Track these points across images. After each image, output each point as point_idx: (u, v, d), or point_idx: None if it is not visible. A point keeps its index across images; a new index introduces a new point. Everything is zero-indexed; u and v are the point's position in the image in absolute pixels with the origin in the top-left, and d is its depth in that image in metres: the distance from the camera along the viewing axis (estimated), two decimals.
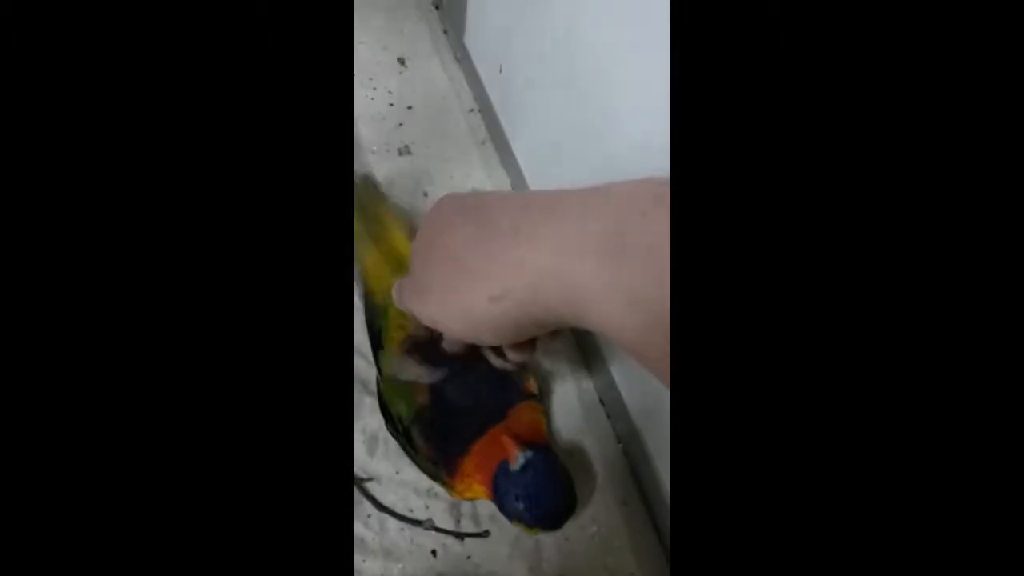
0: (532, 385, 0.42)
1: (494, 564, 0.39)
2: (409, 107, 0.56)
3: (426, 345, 0.41)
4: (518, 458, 0.35)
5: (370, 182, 0.50)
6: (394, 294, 0.35)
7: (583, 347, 0.47)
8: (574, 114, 0.41)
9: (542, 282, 0.26)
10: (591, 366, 0.46)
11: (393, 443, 0.42)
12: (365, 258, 0.45)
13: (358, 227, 0.46)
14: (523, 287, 0.26)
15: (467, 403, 0.40)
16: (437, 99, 0.57)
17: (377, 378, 0.42)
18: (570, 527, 0.39)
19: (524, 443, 0.37)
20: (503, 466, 0.36)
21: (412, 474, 0.41)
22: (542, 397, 0.43)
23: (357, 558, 0.38)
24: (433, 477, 0.40)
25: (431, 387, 0.40)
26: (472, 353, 0.37)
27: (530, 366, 0.43)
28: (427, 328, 0.34)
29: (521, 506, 0.35)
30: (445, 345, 0.37)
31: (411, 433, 0.40)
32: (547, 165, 0.48)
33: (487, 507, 0.40)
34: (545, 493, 0.35)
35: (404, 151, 0.54)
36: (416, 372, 0.41)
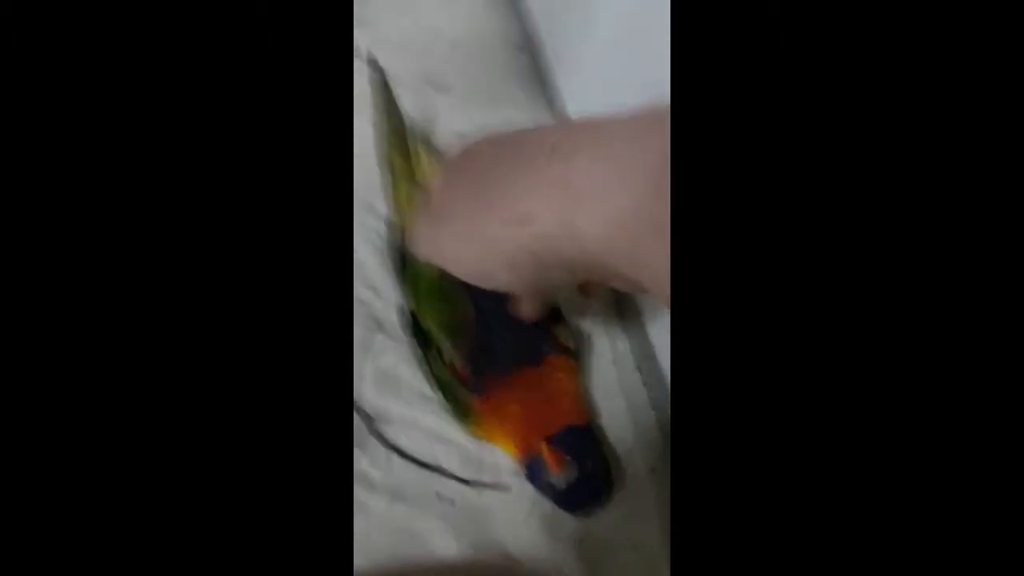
0: (567, 339, 0.39)
1: (511, 519, 0.36)
2: (452, 42, 0.54)
3: None
4: (569, 471, 0.34)
5: (397, 115, 0.46)
6: (409, 238, 0.32)
7: (621, 310, 0.44)
8: (626, 60, 0.38)
9: (576, 209, 0.22)
10: (628, 332, 0.43)
11: (406, 384, 0.39)
12: (397, 183, 0.42)
13: (392, 150, 0.43)
14: (552, 212, 0.23)
15: (506, 333, 0.37)
16: (483, 34, 0.54)
17: (403, 303, 0.40)
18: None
19: (566, 427, 0.35)
20: (540, 462, 0.34)
21: (427, 417, 0.38)
22: (577, 355, 0.40)
23: (364, 495, 0.35)
24: (456, 403, 0.37)
25: (474, 303, 0.37)
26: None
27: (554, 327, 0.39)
28: None
29: (562, 501, 0.35)
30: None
31: (442, 348, 0.37)
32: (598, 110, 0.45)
33: (505, 460, 0.37)
34: (590, 501, 0.35)
35: (442, 88, 0.51)
36: (454, 291, 0.38)
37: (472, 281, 0.29)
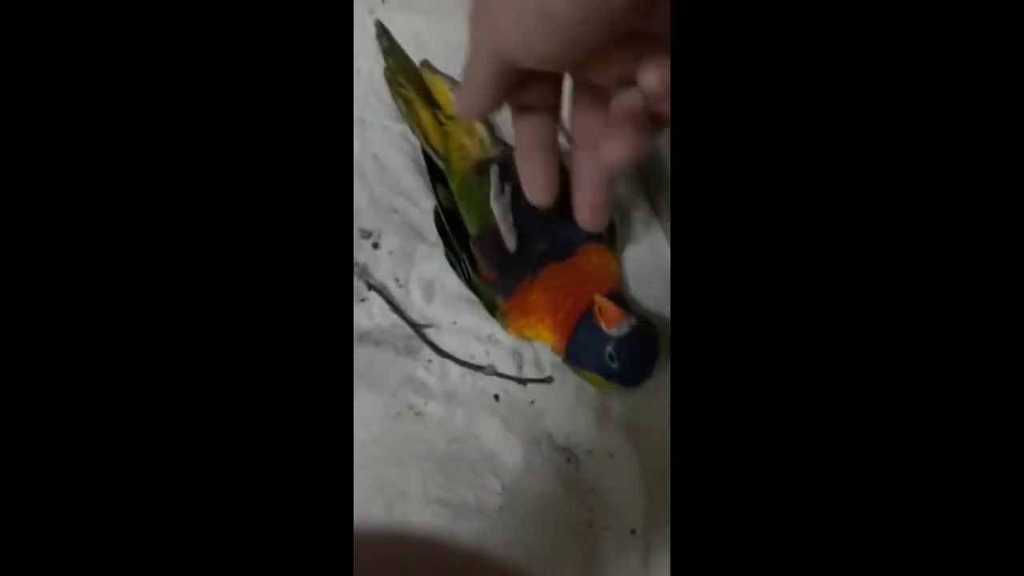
0: (604, 232, 0.37)
1: (558, 410, 0.38)
2: None
3: (495, 164, 0.38)
4: (622, 324, 0.32)
5: (401, 55, 0.43)
6: (456, 105, 0.28)
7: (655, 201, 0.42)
8: None
9: None
10: (660, 210, 0.41)
11: (450, 289, 0.40)
12: (416, 111, 0.41)
13: (400, 86, 0.42)
14: None
15: (534, 229, 0.37)
16: None
17: (437, 207, 0.40)
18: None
19: (610, 290, 0.34)
20: (589, 322, 0.33)
21: (472, 320, 0.39)
22: (613, 242, 0.39)
23: (419, 401, 0.38)
24: (490, 306, 0.38)
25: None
26: None
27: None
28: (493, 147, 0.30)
29: (615, 366, 0.33)
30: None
31: (473, 253, 0.38)
32: None
33: (549, 354, 0.38)
34: (643, 359, 0.34)
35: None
36: (485, 192, 0.37)
37: (520, 57, 0.23)
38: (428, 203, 0.42)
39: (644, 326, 0.33)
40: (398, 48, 0.43)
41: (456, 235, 0.38)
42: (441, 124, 0.40)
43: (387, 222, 0.41)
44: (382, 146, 0.43)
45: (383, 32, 0.43)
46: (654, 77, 0.23)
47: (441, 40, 0.44)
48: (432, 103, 0.41)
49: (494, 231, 0.37)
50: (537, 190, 0.30)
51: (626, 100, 0.25)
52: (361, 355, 0.38)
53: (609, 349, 0.33)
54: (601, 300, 0.33)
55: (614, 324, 0.33)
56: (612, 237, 0.39)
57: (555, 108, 0.29)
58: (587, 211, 0.30)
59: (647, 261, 0.40)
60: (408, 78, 0.42)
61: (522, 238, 0.37)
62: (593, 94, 0.27)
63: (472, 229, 0.38)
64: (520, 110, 0.29)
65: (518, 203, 0.36)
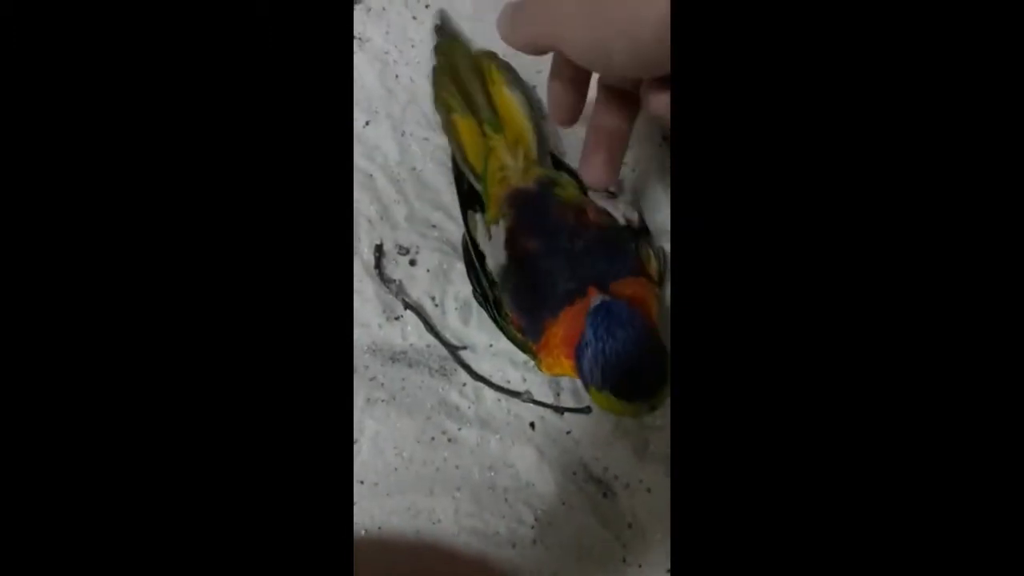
0: (651, 265, 0.34)
1: (595, 441, 0.37)
2: None
3: (533, 196, 0.36)
4: (594, 299, 0.29)
5: (446, 30, 0.42)
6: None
7: None
8: None
9: None
10: None
11: (486, 313, 0.39)
12: (456, 123, 0.39)
13: (444, 91, 0.39)
14: None
15: (561, 269, 0.33)
16: None
17: (465, 240, 0.38)
18: None
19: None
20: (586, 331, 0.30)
21: (508, 345, 0.38)
22: (661, 282, 0.36)
23: (453, 426, 0.37)
24: (523, 349, 0.36)
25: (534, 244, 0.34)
26: (582, 216, 0.32)
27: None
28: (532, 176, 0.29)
29: (588, 353, 0.28)
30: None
31: (501, 299, 0.35)
32: None
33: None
34: (617, 344, 0.28)
35: None
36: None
37: (592, 62, 0.24)
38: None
39: (624, 305, 0.29)
40: (455, 42, 0.40)
41: (485, 272, 0.36)
42: (484, 135, 0.38)
43: (425, 238, 0.40)
44: (422, 159, 0.42)
45: (445, 21, 0.40)
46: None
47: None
48: (476, 109, 0.39)
49: (523, 272, 0.34)
50: (562, 110, 0.31)
51: None
52: (395, 376, 0.37)
53: (585, 339, 0.29)
54: (590, 289, 0.30)
55: (588, 304, 0.29)
56: (659, 277, 0.35)
57: None
58: (600, 167, 0.31)
59: None
60: (455, 79, 0.39)
61: (547, 278, 0.33)
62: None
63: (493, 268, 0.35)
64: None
65: (548, 241, 0.34)
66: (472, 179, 0.38)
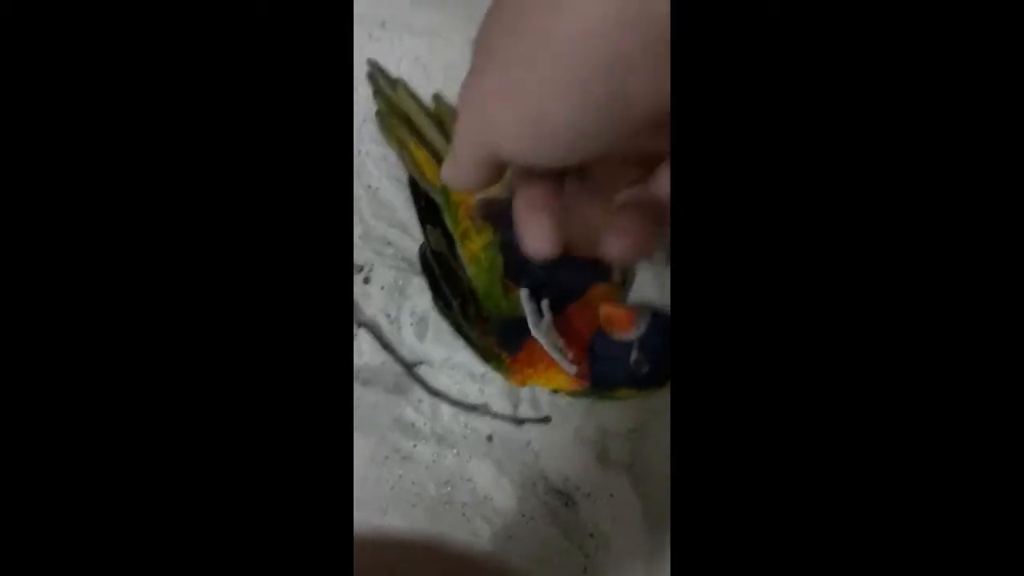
0: (616, 276, 0.35)
1: (555, 452, 0.36)
2: None
3: (498, 205, 0.36)
4: (638, 323, 0.30)
5: (378, 74, 0.43)
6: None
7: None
8: None
9: None
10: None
11: (445, 325, 0.38)
12: (413, 153, 0.40)
13: (394, 130, 0.40)
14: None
15: (538, 284, 0.34)
16: None
17: (426, 250, 0.37)
18: (644, 414, 0.35)
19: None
20: (603, 338, 0.31)
21: (466, 357, 0.38)
22: (623, 284, 0.37)
23: (407, 444, 0.36)
24: (488, 359, 0.36)
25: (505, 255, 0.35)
26: None
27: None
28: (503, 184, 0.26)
29: (645, 369, 0.30)
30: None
31: (469, 309, 0.35)
32: None
33: (546, 392, 0.36)
34: (663, 355, 0.31)
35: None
36: (493, 243, 0.36)
37: (529, 156, 0.21)
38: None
39: (659, 318, 0.31)
40: (394, 86, 0.42)
41: (447, 280, 0.36)
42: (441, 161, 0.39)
43: (380, 255, 0.40)
44: (379, 177, 0.43)
45: (377, 71, 0.42)
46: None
47: (441, 63, 0.44)
48: (432, 147, 0.40)
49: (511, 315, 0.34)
50: (540, 244, 0.25)
51: (633, 195, 0.23)
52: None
53: (634, 355, 0.30)
54: (606, 308, 0.30)
55: (629, 327, 0.30)
56: (623, 279, 0.36)
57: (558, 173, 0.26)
58: (545, 231, 0.24)
59: (648, 281, 0.39)
60: (401, 118, 0.41)
61: (530, 299, 0.33)
62: (591, 179, 0.25)
63: (479, 284, 0.36)
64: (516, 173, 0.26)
65: (522, 262, 0.34)
66: (432, 193, 0.39)
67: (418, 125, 0.40)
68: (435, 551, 0.30)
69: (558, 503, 0.35)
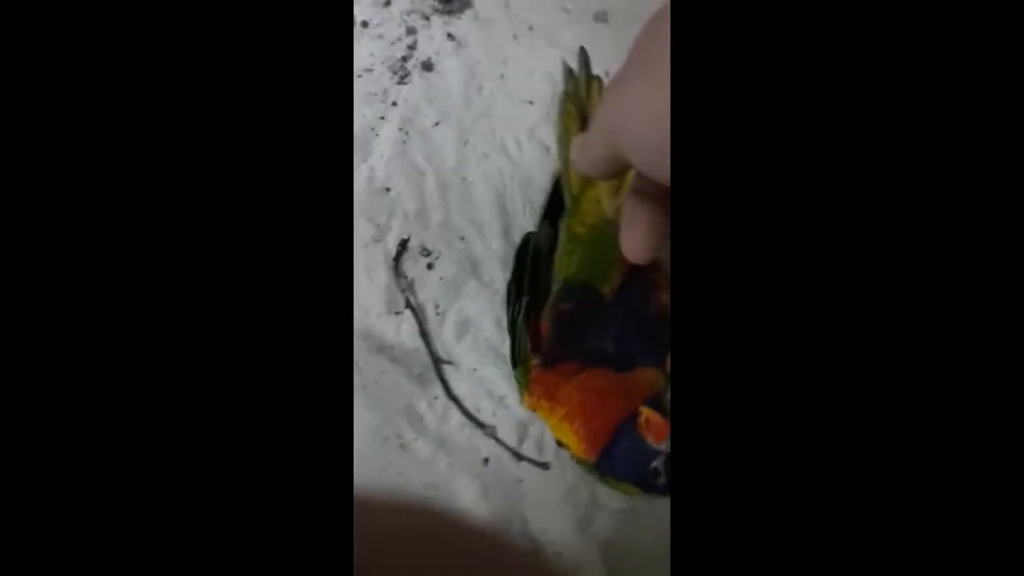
0: (668, 364, 0.34)
1: (542, 500, 0.35)
2: None
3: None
4: (665, 445, 0.30)
5: (584, 67, 0.40)
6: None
7: None
8: None
9: None
10: None
11: (484, 335, 0.38)
12: (572, 139, 0.39)
13: (567, 117, 0.39)
14: None
15: (611, 328, 0.34)
16: None
17: (529, 241, 0.37)
18: (640, 501, 0.34)
19: (654, 397, 0.32)
20: (632, 432, 0.31)
21: (492, 374, 0.38)
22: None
23: (410, 433, 0.36)
24: (517, 362, 0.35)
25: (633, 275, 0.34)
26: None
27: None
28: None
29: (662, 480, 0.31)
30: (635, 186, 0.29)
31: (531, 311, 0.35)
32: None
33: (549, 437, 0.36)
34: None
35: (600, 17, 0.45)
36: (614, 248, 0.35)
37: (648, 168, 0.24)
38: (497, 243, 0.41)
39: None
40: (589, 80, 0.40)
41: (532, 277, 0.36)
42: None
43: (450, 247, 0.41)
44: (476, 172, 0.43)
45: (584, 60, 0.40)
46: None
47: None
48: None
49: (593, 292, 0.34)
50: (634, 252, 0.28)
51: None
52: (374, 367, 0.38)
53: (656, 464, 0.31)
54: (648, 412, 0.31)
55: (662, 439, 0.30)
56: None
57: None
58: (637, 250, 0.28)
59: None
60: (578, 107, 0.39)
61: (602, 325, 0.34)
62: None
63: (568, 270, 0.35)
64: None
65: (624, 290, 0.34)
66: (566, 194, 0.38)
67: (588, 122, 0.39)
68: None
69: (527, 548, 0.34)
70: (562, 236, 0.36)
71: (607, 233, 0.32)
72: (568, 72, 0.40)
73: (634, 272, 0.34)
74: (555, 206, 0.38)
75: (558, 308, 0.35)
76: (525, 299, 0.35)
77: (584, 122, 0.39)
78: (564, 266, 0.36)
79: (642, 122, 0.22)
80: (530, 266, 0.36)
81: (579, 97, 0.39)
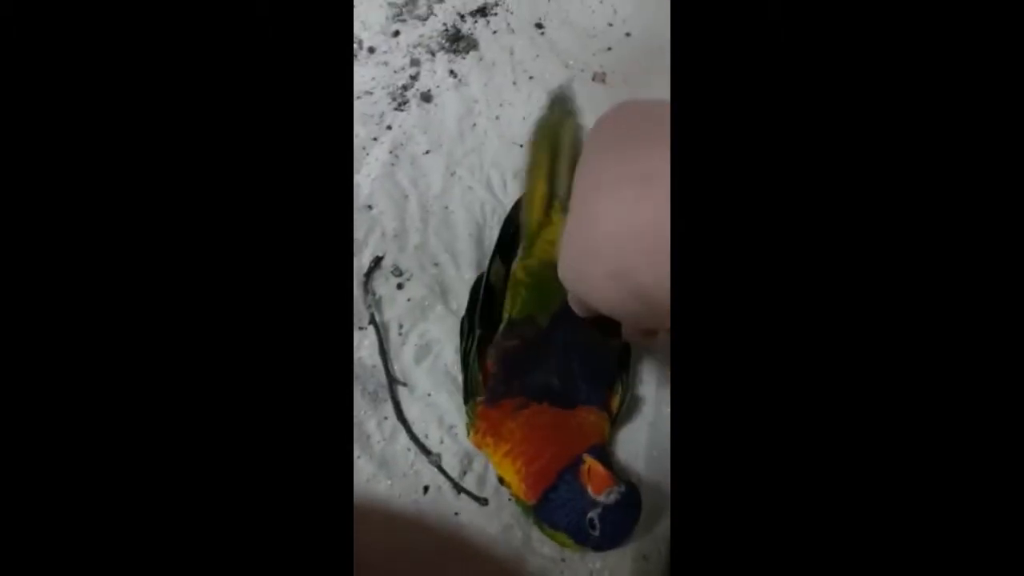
0: (615, 401, 0.35)
1: (478, 534, 0.35)
2: (627, 34, 0.49)
3: None
4: (611, 491, 0.30)
5: (565, 99, 0.43)
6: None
7: None
8: None
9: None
10: None
11: (442, 362, 0.38)
12: (535, 183, 0.39)
13: (539, 149, 0.40)
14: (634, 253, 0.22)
15: (554, 364, 0.35)
16: (663, 31, 0.50)
17: (484, 277, 0.38)
18: (571, 552, 0.33)
19: (596, 446, 0.33)
20: (572, 481, 0.31)
21: (445, 402, 0.37)
22: (617, 417, 0.36)
23: (355, 450, 0.36)
24: (468, 396, 0.35)
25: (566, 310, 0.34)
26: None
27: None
28: None
29: (595, 533, 0.30)
30: (573, 306, 0.32)
31: (485, 345, 0.36)
32: None
33: (491, 474, 0.35)
34: (626, 529, 0.31)
35: (599, 78, 0.47)
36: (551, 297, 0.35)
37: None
38: (470, 273, 0.41)
39: (631, 493, 0.31)
40: (570, 113, 0.41)
41: (483, 313, 0.37)
42: (550, 209, 0.38)
43: (423, 271, 0.41)
44: (459, 203, 0.44)
45: (567, 95, 0.42)
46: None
47: None
48: (557, 184, 0.39)
49: (535, 328, 0.35)
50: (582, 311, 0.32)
51: None
52: None
53: (592, 515, 0.30)
54: (592, 462, 0.31)
55: (602, 490, 0.30)
56: (617, 412, 0.36)
57: None
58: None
59: (642, 428, 0.37)
60: (552, 142, 0.40)
61: (545, 362, 0.35)
62: None
63: (513, 309, 0.36)
64: None
65: (564, 335, 0.35)
66: (523, 232, 0.39)
67: (559, 162, 0.40)
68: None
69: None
70: (512, 276, 0.37)
71: (553, 274, 0.33)
72: (551, 102, 0.42)
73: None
74: (511, 243, 0.39)
75: (502, 345, 0.35)
76: (477, 334, 0.36)
77: (555, 157, 0.40)
78: (510, 305, 0.37)
79: (586, 283, 0.26)
80: (482, 302, 0.37)
81: (555, 127, 0.41)
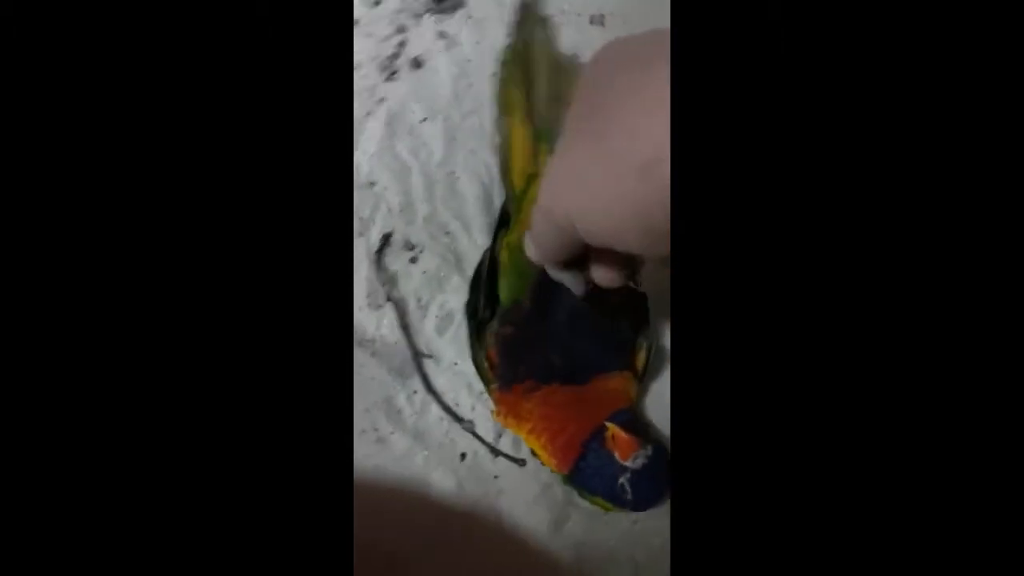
0: (639, 358, 0.35)
1: (517, 497, 0.35)
2: None
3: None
4: (638, 456, 0.31)
5: (531, 12, 0.41)
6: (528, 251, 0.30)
7: None
8: None
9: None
10: None
11: (464, 332, 0.38)
12: (512, 129, 0.39)
13: (511, 85, 0.39)
14: None
15: (559, 339, 0.34)
16: None
17: (487, 253, 0.37)
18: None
19: (621, 410, 0.32)
20: (599, 449, 0.31)
21: (472, 368, 0.37)
22: (645, 374, 0.35)
23: (387, 428, 0.36)
24: (483, 379, 0.36)
25: (541, 287, 0.34)
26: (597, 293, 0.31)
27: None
28: None
29: (629, 496, 0.31)
30: (569, 284, 0.31)
31: (488, 325, 0.35)
32: None
33: None
34: (659, 488, 0.32)
35: (597, 20, 0.45)
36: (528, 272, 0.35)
37: (602, 240, 0.25)
38: (483, 238, 0.40)
39: (659, 454, 0.31)
40: (541, 23, 0.39)
41: (488, 293, 0.36)
42: (536, 154, 0.37)
43: (434, 241, 0.40)
44: (463, 168, 0.43)
45: (531, 4, 0.39)
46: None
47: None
48: (537, 116, 0.38)
49: (522, 311, 0.35)
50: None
51: None
52: (354, 359, 0.37)
53: (622, 480, 0.31)
54: (615, 429, 0.31)
55: (628, 456, 0.30)
56: (643, 369, 0.35)
57: None
58: (609, 269, 0.30)
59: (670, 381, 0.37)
60: (524, 74, 0.38)
61: (543, 343, 0.34)
62: None
63: (505, 295, 0.36)
64: None
65: (554, 311, 0.34)
66: (507, 197, 0.38)
67: (535, 91, 0.39)
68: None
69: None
70: (501, 256, 0.36)
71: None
72: (517, 21, 0.39)
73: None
74: (505, 216, 0.38)
75: (498, 333, 0.35)
76: (483, 314, 0.36)
77: (530, 87, 0.38)
78: (501, 289, 0.36)
79: (594, 197, 0.24)
80: (486, 281, 0.36)
81: (525, 53, 0.39)
